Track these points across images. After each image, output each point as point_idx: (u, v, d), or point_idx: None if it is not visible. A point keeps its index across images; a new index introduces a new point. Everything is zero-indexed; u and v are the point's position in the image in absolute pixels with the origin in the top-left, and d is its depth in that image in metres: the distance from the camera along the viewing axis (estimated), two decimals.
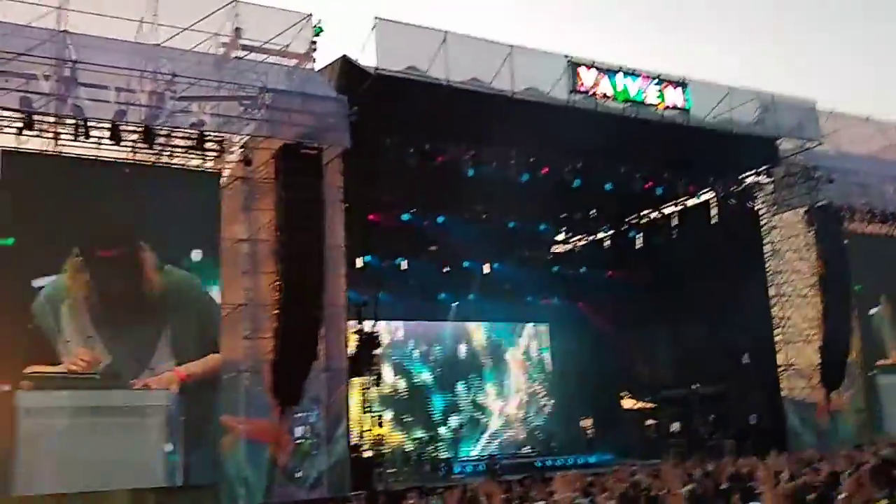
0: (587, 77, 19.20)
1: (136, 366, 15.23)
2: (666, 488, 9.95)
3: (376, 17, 16.44)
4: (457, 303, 28.35)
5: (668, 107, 20.25)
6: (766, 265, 23.97)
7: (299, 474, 16.56)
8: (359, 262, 22.35)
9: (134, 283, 15.50)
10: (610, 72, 19.62)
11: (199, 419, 15.52)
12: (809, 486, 9.56)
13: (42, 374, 14.38)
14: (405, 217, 24.53)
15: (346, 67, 17.30)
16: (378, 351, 22.33)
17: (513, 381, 30.47)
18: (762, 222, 24.48)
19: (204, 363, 15.78)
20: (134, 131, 15.46)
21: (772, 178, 24.30)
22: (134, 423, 15.19)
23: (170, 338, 15.59)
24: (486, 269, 28.02)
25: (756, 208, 24.66)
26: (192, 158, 16.44)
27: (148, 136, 15.45)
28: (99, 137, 15.23)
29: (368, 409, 21.73)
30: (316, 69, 17.56)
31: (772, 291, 23.86)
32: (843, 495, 5.53)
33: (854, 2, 58.50)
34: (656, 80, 20.22)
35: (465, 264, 27.75)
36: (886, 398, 24.69)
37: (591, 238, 30.11)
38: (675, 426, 26.51)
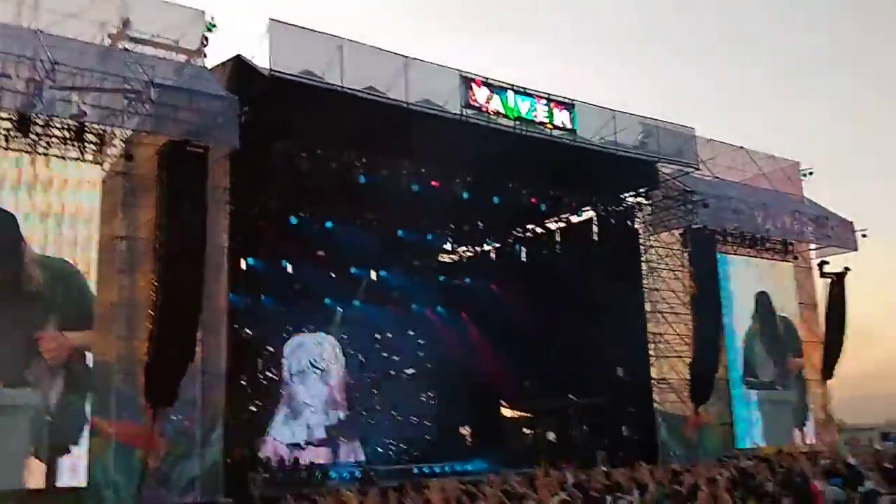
0: (479, 93, 19.55)
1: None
2: (537, 497, 10.29)
3: (271, 19, 16.28)
4: (341, 309, 28.21)
5: (556, 126, 20.81)
6: (644, 282, 24.92)
7: (172, 479, 16.12)
8: (243, 265, 21.97)
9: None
10: (501, 89, 20.04)
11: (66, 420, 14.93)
12: (672, 496, 10.08)
13: None
14: (293, 220, 24.26)
15: (240, 67, 16.97)
16: (258, 355, 22.03)
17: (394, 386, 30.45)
18: (640, 241, 25.46)
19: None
20: (8, 119, 14.74)
21: (651, 200, 25.39)
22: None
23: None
24: (373, 275, 28.03)
25: (635, 227, 25.63)
26: (70, 150, 15.79)
27: (23, 123, 14.76)
28: None
29: (244, 413, 21.36)
30: (208, 67, 17.18)
31: (647, 308, 24.82)
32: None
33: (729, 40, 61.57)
34: (545, 101, 20.77)
35: (353, 270, 27.69)
36: (753, 413, 26.10)
37: (477, 249, 30.58)
38: (552, 435, 27.16)
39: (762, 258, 27.63)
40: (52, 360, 15.16)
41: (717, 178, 25.99)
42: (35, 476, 14.61)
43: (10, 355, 14.77)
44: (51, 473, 14.69)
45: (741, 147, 26.83)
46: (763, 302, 27.18)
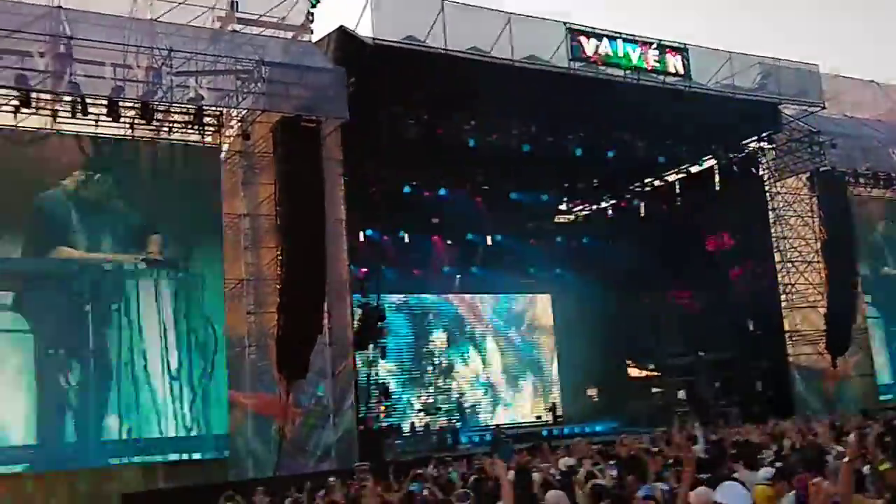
0: (588, 44, 18.99)
1: None
2: (675, 454, 9.97)
3: None
4: (460, 275, 28.30)
5: (669, 73, 20.04)
6: (771, 231, 23.88)
7: (308, 447, 16.64)
8: (361, 236, 22.30)
9: None
10: (610, 38, 19.41)
11: None
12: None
13: None
14: (406, 189, 24.40)
15: (343, 39, 17.12)
16: (382, 324, 22.37)
17: (516, 352, 30.49)
18: (766, 188, 24.34)
19: None
20: (132, 107, 15.37)
21: (774, 144, 24.18)
22: None
23: None
24: (489, 241, 27.95)
25: (760, 174, 24.52)
26: (191, 134, 16.34)
27: (146, 111, 15.36)
28: (97, 114, 15.12)
29: (375, 381, 21.79)
30: (313, 41, 17.42)
31: (777, 258, 23.78)
32: (846, 458, 5.49)
33: None
34: (656, 47, 20.01)
35: (469, 236, 27.68)
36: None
37: (594, 207, 29.98)
38: (681, 394, 26.54)
39: None
40: None
41: (845, 115, 24.54)
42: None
43: None
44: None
45: (871, 81, 25.21)
46: None
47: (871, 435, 9.40)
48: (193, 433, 15.49)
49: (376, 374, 22.15)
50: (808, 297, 23.83)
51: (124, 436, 14.92)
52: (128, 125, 15.67)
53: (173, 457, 15.38)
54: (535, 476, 8.46)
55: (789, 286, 23.76)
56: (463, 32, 17.13)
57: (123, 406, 15.01)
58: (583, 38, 18.97)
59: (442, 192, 25.42)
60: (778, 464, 7.68)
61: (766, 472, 7.25)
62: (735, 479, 5.59)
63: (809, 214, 24.03)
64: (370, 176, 21.09)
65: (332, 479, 11.20)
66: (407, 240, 25.82)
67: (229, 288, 16.33)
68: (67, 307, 15.05)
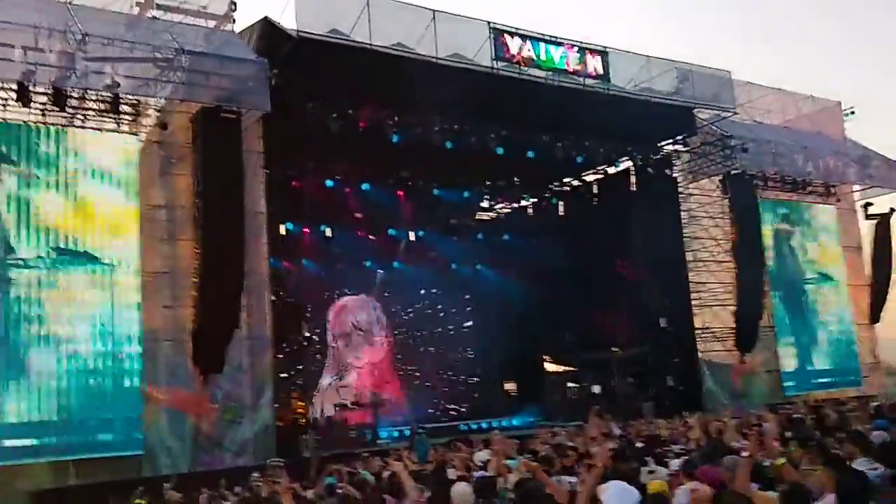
0: (511, 44, 19.22)
1: None
2: (588, 446, 10.24)
3: None
4: (381, 271, 28.31)
5: (589, 75, 20.43)
6: (684, 231, 24.62)
7: (224, 442, 16.43)
8: (282, 230, 22.07)
9: None
10: (533, 39, 19.69)
11: None
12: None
13: None
14: (329, 183, 24.27)
15: (267, 30, 16.86)
16: (301, 320, 22.24)
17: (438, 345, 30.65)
18: (679, 190, 25.10)
19: None
20: (44, 93, 14.86)
21: (689, 147, 24.95)
22: None
23: None
24: (412, 236, 28.04)
25: (674, 176, 25.25)
26: (107, 122, 15.91)
27: (59, 97, 14.88)
28: (5, 99, 14.59)
29: (292, 376, 21.63)
30: (236, 31, 17.12)
31: (689, 257, 24.56)
32: (745, 453, 5.78)
33: None
34: (577, 49, 20.38)
35: (391, 231, 27.71)
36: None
37: (514, 205, 30.38)
38: (597, 388, 27.15)
39: (803, 202, 27.13)
40: None
41: (755, 121, 25.46)
42: None
43: None
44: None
45: (780, 88, 26.25)
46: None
47: (770, 429, 9.81)
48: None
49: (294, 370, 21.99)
50: (717, 295, 24.70)
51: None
52: (39, 111, 15.15)
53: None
54: (450, 472, 8.59)
55: (700, 284, 24.57)
56: (388, 28, 17.10)
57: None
58: (507, 38, 19.19)
59: (365, 186, 25.37)
60: (683, 458, 7.96)
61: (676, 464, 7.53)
62: (624, 479, 5.81)
63: (720, 215, 24.88)
64: (292, 169, 20.90)
65: (254, 474, 11.10)
66: (329, 234, 25.67)
67: (146, 280, 15.98)
68: None
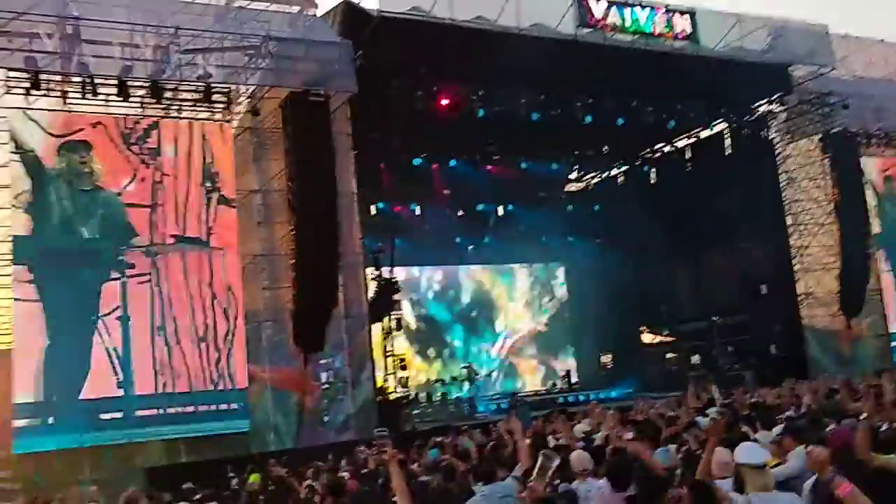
0: (596, 9, 18.84)
1: None
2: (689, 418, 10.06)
3: None
4: (472, 246, 28.37)
5: (677, 37, 19.87)
6: (783, 194, 23.77)
7: (327, 418, 16.87)
8: (372, 210, 22.37)
9: None
10: (618, 4, 19.24)
11: None
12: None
13: None
14: (416, 162, 24.42)
15: (349, 11, 17.08)
16: (397, 296, 22.53)
17: (529, 320, 30.65)
18: (777, 151, 24.19)
19: None
20: (141, 87, 15.41)
21: (785, 106, 23.96)
22: None
23: None
24: (500, 211, 27.96)
25: (770, 137, 24.36)
26: (201, 112, 16.38)
27: (155, 90, 15.40)
28: (107, 94, 15.19)
29: (391, 352, 21.97)
30: (319, 15, 17.36)
31: (789, 221, 23.70)
32: (862, 416, 5.57)
33: None
34: (664, 10, 19.82)
35: (479, 207, 27.70)
36: None
37: (604, 175, 29.91)
38: (696, 358, 26.63)
39: None
40: None
41: (856, 76, 24.25)
42: None
43: None
44: None
45: (882, 40, 24.90)
46: None
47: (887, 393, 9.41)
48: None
49: (393, 347, 22.31)
50: (820, 259, 23.79)
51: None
52: (138, 104, 15.72)
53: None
54: (551, 441, 8.57)
55: (802, 249, 23.71)
56: (468, 2, 17.01)
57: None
58: (590, 3, 18.81)
59: (452, 163, 25.42)
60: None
61: (779, 429, 7.35)
62: (753, 440, 5.67)
63: (821, 176, 23.92)
64: (380, 149, 21.09)
65: (360, 447, 11.30)
66: (418, 212, 25.87)
67: (244, 264, 16.46)
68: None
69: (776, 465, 5.45)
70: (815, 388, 11.68)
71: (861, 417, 5.55)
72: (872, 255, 24.04)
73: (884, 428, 6.25)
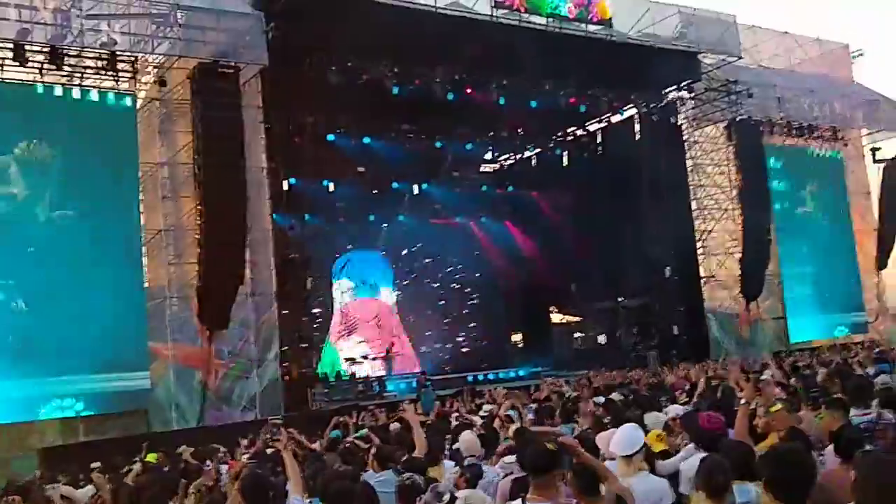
0: None
1: None
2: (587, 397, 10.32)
3: None
4: (386, 225, 28.24)
5: (591, 21, 20.11)
6: (689, 180, 24.43)
7: (232, 398, 16.60)
8: (284, 185, 21.96)
9: None
10: None
11: None
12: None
13: None
14: (330, 138, 24.09)
15: None
16: (307, 273, 22.26)
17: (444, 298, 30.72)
18: (684, 137, 24.83)
19: None
20: (40, 52, 14.74)
21: (693, 93, 24.59)
22: None
23: None
24: (416, 189, 27.90)
25: (679, 124, 24.97)
26: (105, 80, 15.79)
27: (55, 56, 14.75)
28: (2, 58, 14.47)
29: (298, 331, 21.69)
30: None
31: (693, 206, 24.39)
32: (742, 400, 5.78)
33: None
34: None
35: (394, 185, 27.57)
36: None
37: (518, 157, 30.18)
38: (602, 338, 27.24)
39: (810, 147, 26.86)
40: None
41: (761, 66, 25.07)
42: None
43: None
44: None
45: (786, 32, 25.77)
46: None
47: (770, 377, 9.81)
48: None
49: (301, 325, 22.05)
50: (723, 243, 24.61)
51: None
52: (36, 70, 15.04)
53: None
54: (454, 421, 8.65)
55: (705, 233, 24.46)
56: None
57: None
58: None
59: (366, 139, 25.19)
60: (689, 405, 8.01)
61: (674, 409, 7.59)
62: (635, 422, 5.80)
63: (726, 163, 24.70)
64: (293, 124, 20.73)
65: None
66: (332, 188, 25.55)
67: (148, 238, 16.00)
68: None
69: (662, 452, 5.59)
70: (705, 370, 12.13)
71: (741, 402, 5.74)
72: (772, 240, 24.96)
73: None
